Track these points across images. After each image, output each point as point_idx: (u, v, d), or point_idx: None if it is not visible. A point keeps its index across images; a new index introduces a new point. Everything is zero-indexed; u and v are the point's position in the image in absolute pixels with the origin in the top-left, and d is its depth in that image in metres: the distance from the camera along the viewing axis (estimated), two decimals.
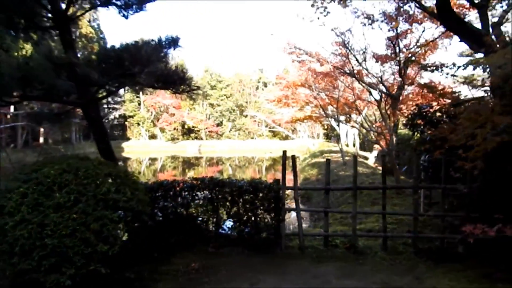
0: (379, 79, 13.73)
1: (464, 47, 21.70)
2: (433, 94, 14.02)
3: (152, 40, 6.32)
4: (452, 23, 7.21)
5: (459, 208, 6.15)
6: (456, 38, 10.53)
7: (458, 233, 6.02)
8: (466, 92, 17.41)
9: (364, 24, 13.31)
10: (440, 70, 8.25)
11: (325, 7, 10.83)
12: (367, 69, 13.94)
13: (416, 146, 7.57)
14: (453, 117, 6.60)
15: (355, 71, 14.15)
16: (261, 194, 6.68)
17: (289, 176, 6.92)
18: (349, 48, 13.76)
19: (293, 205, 7.01)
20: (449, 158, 5.71)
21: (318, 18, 11.32)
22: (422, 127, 7.25)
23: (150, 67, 5.01)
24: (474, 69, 6.51)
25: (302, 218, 6.90)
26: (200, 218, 6.82)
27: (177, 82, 5.91)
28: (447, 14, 7.11)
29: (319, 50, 15.46)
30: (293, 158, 7.05)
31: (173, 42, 6.38)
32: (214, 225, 6.82)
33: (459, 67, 6.88)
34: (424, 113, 7.12)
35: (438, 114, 7.11)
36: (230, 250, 6.45)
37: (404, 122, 19.87)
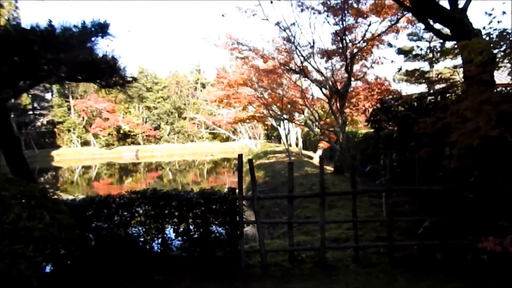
0: (326, 75, 13.28)
1: (403, 43, 22.07)
2: (380, 90, 13.88)
3: (75, 26, 5.09)
4: (428, 5, 6.51)
5: (437, 212, 5.57)
6: (399, 37, 10.21)
7: (435, 238, 5.48)
8: (405, 89, 17.55)
9: (310, 18, 12.81)
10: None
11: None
12: (313, 65, 13.46)
13: (383, 144, 6.99)
14: (422, 111, 6.05)
15: (301, 68, 13.59)
16: (214, 207, 5.70)
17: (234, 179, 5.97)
18: (295, 43, 13.16)
19: (252, 218, 6.08)
20: (428, 157, 5.09)
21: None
22: (386, 123, 6.66)
23: (68, 54, 3.82)
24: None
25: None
26: (142, 239, 5.67)
27: (107, 72, 4.72)
28: None
29: (264, 45, 14.74)
30: (251, 163, 6.12)
31: (101, 29, 5.18)
32: (160, 246, 5.71)
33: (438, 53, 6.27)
34: (388, 108, 6.51)
35: (401, 108, 6.53)
36: (181, 276, 5.38)
37: (353, 118, 19.86)
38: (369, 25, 12.57)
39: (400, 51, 20.44)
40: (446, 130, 4.60)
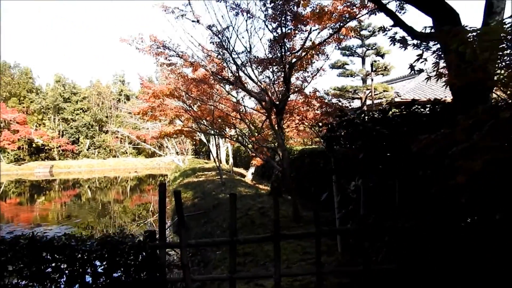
0: (264, 86, 12.00)
1: (336, 57, 21.58)
2: (320, 104, 12.88)
3: None
4: None
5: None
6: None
7: None
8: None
9: (247, 22, 11.49)
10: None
11: None
12: (249, 75, 12.09)
13: (336, 166, 5.70)
14: (392, 126, 4.84)
15: (236, 77, 12.17)
16: (123, 260, 3.96)
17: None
18: (229, 49, 11.72)
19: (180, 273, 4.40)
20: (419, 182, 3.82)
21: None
22: (348, 140, 5.37)
23: None
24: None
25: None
26: None
27: None
28: None
29: (194, 51, 13.14)
30: (177, 196, 4.41)
31: None
32: None
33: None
34: (350, 122, 5.24)
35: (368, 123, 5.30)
36: None
37: (295, 134, 18.74)
38: (309, 32, 11.55)
39: (333, 66, 19.91)
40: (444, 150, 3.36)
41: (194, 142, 42.05)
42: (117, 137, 53.89)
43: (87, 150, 54.60)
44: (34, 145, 50.45)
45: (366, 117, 5.47)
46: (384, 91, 18.25)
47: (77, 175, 44.42)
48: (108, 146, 54.83)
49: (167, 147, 39.11)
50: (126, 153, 55.02)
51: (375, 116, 5.46)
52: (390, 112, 5.40)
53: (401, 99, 20.71)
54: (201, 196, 15.98)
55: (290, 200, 11.13)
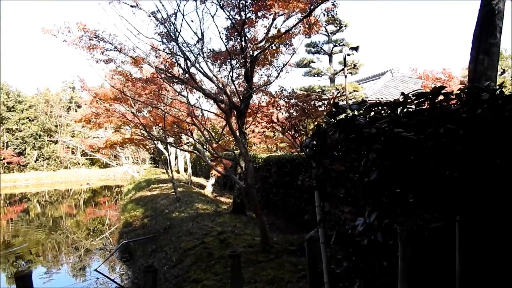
0: (220, 85, 10.00)
1: (302, 55, 19.99)
2: (287, 105, 11.01)
3: None
4: None
5: None
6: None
7: None
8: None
9: (198, 8, 9.46)
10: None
11: None
12: (204, 72, 10.04)
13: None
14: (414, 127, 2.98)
15: (187, 75, 10.06)
16: None
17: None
18: (178, 41, 9.61)
19: None
20: None
21: None
22: (348, 150, 3.48)
23: None
24: None
25: None
26: None
27: None
28: None
29: (136, 44, 10.93)
30: None
31: None
32: None
33: None
34: (351, 122, 3.35)
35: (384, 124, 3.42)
36: None
37: (259, 140, 16.72)
38: (274, 18, 9.71)
39: (299, 64, 18.19)
40: None
41: (152, 151, 39.42)
42: (68, 147, 50.20)
43: (35, 161, 50.64)
44: None
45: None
46: (354, 91, 16.74)
47: (24, 189, 41.28)
48: (59, 157, 51.02)
49: (121, 156, 36.31)
50: (79, 164, 51.38)
51: (390, 114, 3.56)
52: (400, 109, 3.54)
53: (368, 100, 19.32)
54: (152, 214, 13.72)
55: (256, 219, 9.21)
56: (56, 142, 50.90)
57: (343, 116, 3.64)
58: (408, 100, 3.49)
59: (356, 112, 3.60)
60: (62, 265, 11.65)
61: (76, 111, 51.19)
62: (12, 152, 49.08)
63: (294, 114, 9.85)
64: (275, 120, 10.75)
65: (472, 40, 5.61)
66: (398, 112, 3.45)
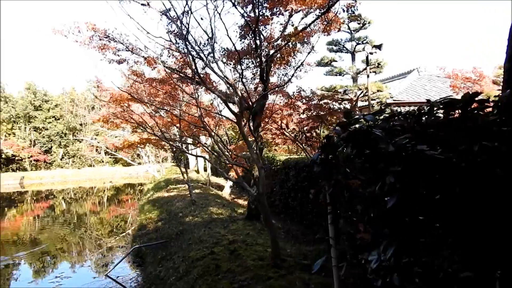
0: (235, 85, 9.52)
1: (323, 54, 19.24)
2: (307, 107, 10.47)
3: None
4: None
5: None
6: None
7: None
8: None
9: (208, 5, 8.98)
10: None
11: None
12: (217, 72, 9.56)
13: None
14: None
15: (202, 75, 9.63)
16: None
17: None
18: (189, 40, 9.16)
19: None
20: None
21: None
22: (362, 168, 2.95)
23: None
24: None
25: None
26: None
27: None
28: None
29: (147, 44, 10.56)
30: None
31: None
32: None
33: None
34: (373, 137, 2.81)
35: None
36: None
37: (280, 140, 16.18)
38: (290, 15, 9.17)
39: (320, 63, 17.54)
40: None
41: (174, 149, 39.44)
42: (92, 145, 50.95)
43: (61, 159, 51.63)
44: (3, 156, 47.19)
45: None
46: (378, 90, 15.96)
47: (50, 186, 42.16)
48: (83, 155, 51.84)
49: (142, 156, 36.45)
50: (103, 162, 52.07)
51: (414, 125, 2.99)
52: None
53: (394, 100, 18.49)
54: (166, 217, 13.41)
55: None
56: (81, 141, 51.73)
57: (357, 126, 3.10)
58: (435, 109, 2.92)
59: (371, 123, 3.05)
60: (84, 262, 11.77)
61: (100, 110, 51.96)
62: (39, 150, 50.17)
63: (309, 119, 9.29)
64: (285, 126, 10.18)
65: (508, 36, 4.96)
66: (423, 121, 2.89)
